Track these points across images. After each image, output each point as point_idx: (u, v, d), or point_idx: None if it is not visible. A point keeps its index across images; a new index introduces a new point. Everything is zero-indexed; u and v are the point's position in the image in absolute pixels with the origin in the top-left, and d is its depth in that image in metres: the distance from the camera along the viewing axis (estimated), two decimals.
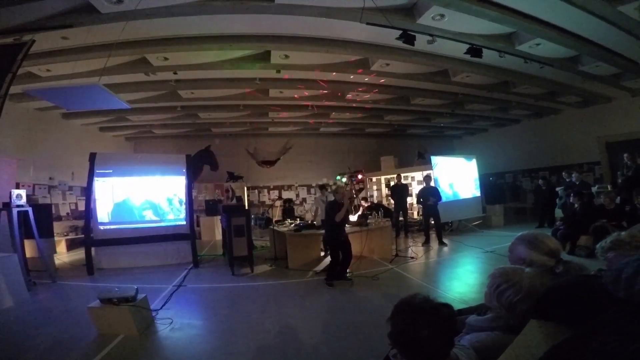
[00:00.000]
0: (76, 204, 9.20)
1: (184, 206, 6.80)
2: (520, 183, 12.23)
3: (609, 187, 7.76)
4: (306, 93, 7.83)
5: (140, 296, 3.43)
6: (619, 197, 6.17)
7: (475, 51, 5.18)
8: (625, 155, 7.42)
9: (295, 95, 8.01)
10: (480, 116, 10.93)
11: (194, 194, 9.71)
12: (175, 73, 6.18)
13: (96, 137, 10.21)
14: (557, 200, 8.56)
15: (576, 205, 6.51)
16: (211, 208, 10.34)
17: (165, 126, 10.53)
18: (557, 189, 8.72)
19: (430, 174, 8.03)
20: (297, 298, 4.29)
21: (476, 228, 9.30)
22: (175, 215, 6.82)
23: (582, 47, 5.56)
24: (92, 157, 6.23)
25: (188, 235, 6.47)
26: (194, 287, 4.94)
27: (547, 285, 1.19)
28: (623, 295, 0.64)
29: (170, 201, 6.82)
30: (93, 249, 6.09)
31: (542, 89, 8.33)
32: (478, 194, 9.98)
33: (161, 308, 3.93)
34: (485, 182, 10.56)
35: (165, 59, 5.65)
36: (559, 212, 8.38)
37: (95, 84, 4.10)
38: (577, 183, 8.07)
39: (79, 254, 6.99)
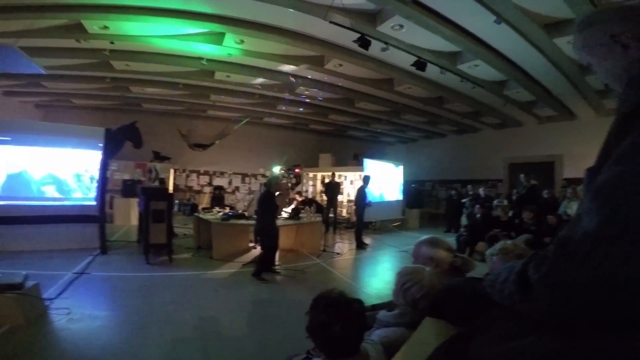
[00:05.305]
0: None
1: (95, 184, 6.02)
2: (440, 192, 13.47)
3: (506, 202, 9.08)
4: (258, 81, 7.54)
5: (29, 283, 3.02)
6: (511, 211, 7.28)
7: (421, 64, 5.55)
8: (521, 175, 8.60)
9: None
10: (413, 127, 11.73)
11: (110, 171, 8.69)
12: (112, 43, 5.50)
13: None
14: (464, 209, 9.73)
15: (478, 215, 7.50)
16: (128, 189, 9.32)
17: (87, 96, 9.17)
18: (463, 200, 9.78)
19: (367, 175, 7.99)
20: (220, 290, 4.15)
21: (395, 229, 10.12)
22: (84, 194, 5.99)
23: (511, 73, 6.14)
24: None
25: (97, 217, 5.75)
26: (99, 275, 4.43)
27: (443, 284, 1.27)
28: (496, 299, 0.70)
29: (78, 177, 5.95)
30: None
31: (469, 108, 9.09)
32: (400, 197, 10.88)
33: (57, 297, 3.47)
34: (408, 188, 11.46)
35: (105, 27, 5.01)
36: (464, 220, 9.54)
37: (9, 45, 3.43)
38: (483, 196, 9.28)
39: None
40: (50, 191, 5.77)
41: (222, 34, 5.40)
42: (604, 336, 0.53)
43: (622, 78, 0.68)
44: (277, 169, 12.06)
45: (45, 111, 10.35)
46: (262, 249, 4.89)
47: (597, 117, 8.54)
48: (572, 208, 6.70)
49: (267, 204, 4.76)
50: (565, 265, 0.54)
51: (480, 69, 6.13)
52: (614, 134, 0.58)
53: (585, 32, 0.77)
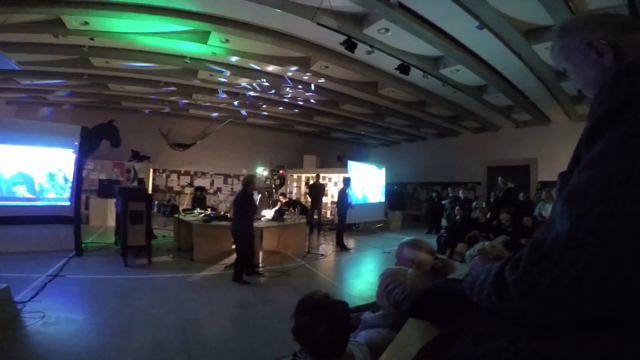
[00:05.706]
0: None
1: (69, 184, 5.78)
2: (422, 194, 13.72)
3: (484, 204, 9.34)
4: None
5: None
6: (489, 213, 7.51)
7: (404, 68, 5.63)
8: (499, 178, 8.86)
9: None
10: (396, 130, 11.89)
11: (86, 171, 8.38)
12: (92, 39, 5.32)
13: None
14: (444, 211, 9.96)
15: (458, 217, 7.71)
16: (105, 189, 9.05)
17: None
18: (443, 202, 9.99)
19: (348, 177, 8.12)
20: (202, 292, 4.09)
21: (378, 230, 10.23)
22: (58, 194, 5.76)
23: (491, 78, 6.31)
24: None
25: (71, 218, 5.52)
26: (75, 277, 4.27)
27: (425, 285, 1.29)
28: (475, 300, 0.71)
29: (52, 177, 5.72)
30: None
31: (449, 112, 9.30)
32: (383, 199, 11.01)
33: (29, 300, 3.32)
34: (390, 190, 11.60)
35: (86, 23, 4.86)
36: (444, 222, 9.76)
37: None
38: (462, 198, 9.52)
39: None
40: (21, 191, 5.51)
41: (207, 33, 5.31)
42: (580, 337, 0.54)
43: (595, 85, 0.69)
44: (260, 170, 11.97)
45: (18, 108, 9.89)
46: (236, 251, 4.68)
47: (570, 121, 8.92)
48: (546, 210, 6.98)
49: (243, 204, 4.57)
50: (538, 267, 0.55)
51: (461, 73, 6.30)
52: (585, 139, 0.59)
53: (563, 39, 0.78)
